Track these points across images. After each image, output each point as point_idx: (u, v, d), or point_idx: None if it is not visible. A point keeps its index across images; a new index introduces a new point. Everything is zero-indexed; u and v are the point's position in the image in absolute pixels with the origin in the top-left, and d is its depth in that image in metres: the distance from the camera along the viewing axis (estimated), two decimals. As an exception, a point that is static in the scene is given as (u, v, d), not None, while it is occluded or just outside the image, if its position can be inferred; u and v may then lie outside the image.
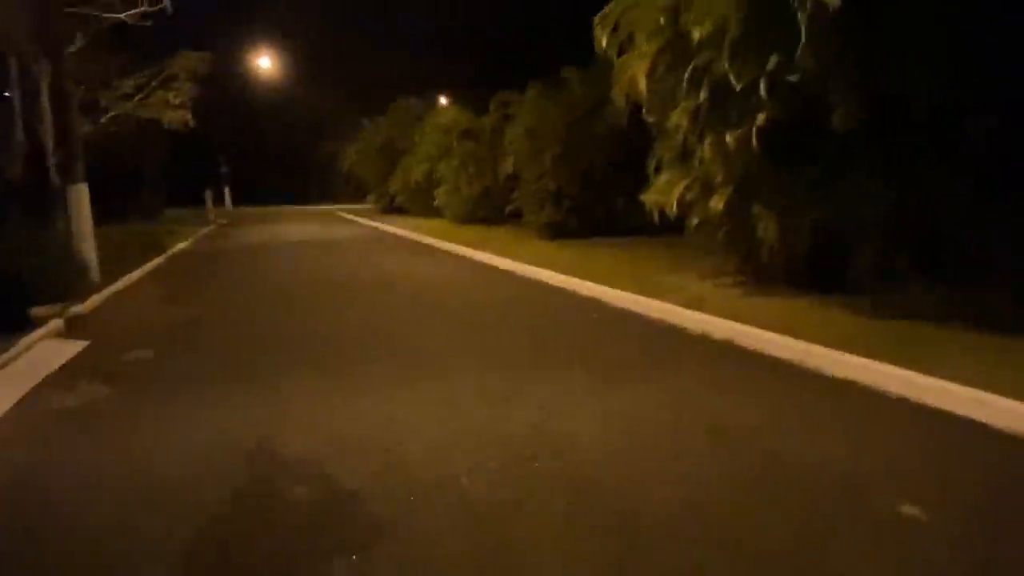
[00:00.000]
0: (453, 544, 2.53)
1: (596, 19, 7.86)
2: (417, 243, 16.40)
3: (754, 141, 5.98)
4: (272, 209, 38.74)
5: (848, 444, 3.46)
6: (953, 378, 4.08)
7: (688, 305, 6.64)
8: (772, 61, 5.80)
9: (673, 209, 7.30)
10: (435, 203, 21.52)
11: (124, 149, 20.39)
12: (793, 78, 5.76)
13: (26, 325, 6.31)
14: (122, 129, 16.28)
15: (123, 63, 14.98)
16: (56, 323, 6.68)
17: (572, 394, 4.31)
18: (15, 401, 4.45)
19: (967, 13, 5.44)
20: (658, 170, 8.13)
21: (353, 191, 37.48)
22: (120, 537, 2.70)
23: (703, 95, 6.36)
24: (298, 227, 24.02)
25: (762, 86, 5.81)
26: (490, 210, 18.91)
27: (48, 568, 2.55)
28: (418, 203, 24.27)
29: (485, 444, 3.47)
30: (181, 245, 16.12)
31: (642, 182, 8.49)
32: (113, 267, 9.94)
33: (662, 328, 6.36)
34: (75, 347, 5.97)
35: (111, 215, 18.00)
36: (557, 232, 13.92)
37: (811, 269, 6.79)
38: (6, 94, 10.58)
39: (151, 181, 26.19)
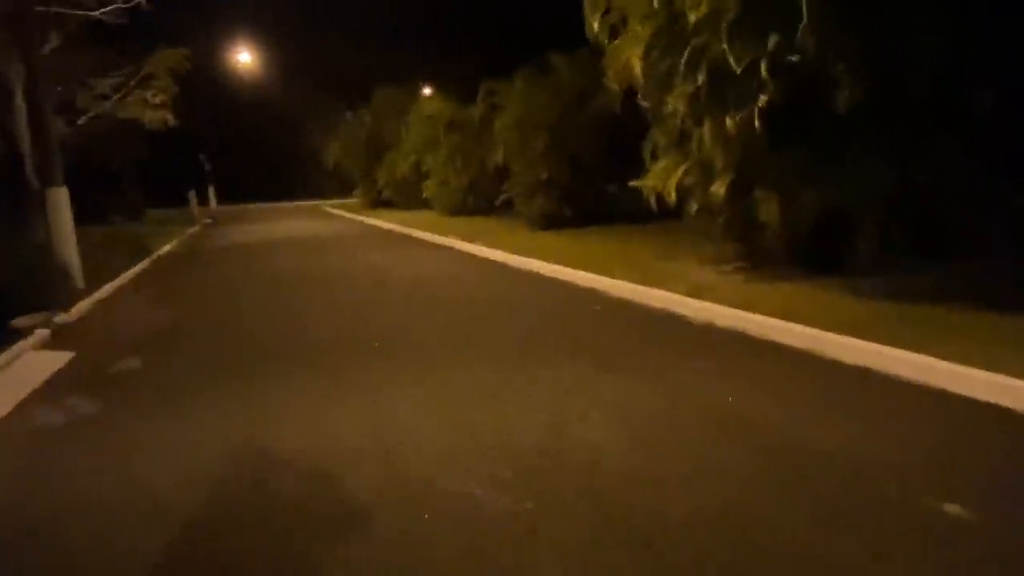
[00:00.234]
0: (476, 567, 2.37)
1: (587, 2, 7.66)
2: (407, 237, 16.19)
3: (756, 123, 5.84)
4: (258, 206, 38.34)
5: (875, 436, 3.33)
6: (970, 362, 3.97)
7: (690, 293, 6.50)
8: (772, 41, 5.65)
9: (672, 195, 7.15)
10: (423, 195, 21.29)
11: (105, 149, 20.00)
12: (794, 58, 5.61)
13: (8, 337, 6.08)
14: (102, 129, 15.91)
15: (101, 62, 14.60)
16: (40, 333, 6.45)
17: (581, 391, 4.16)
18: (-2, 419, 4.25)
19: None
20: (654, 156, 7.98)
21: (339, 185, 37.08)
22: (107, 560, 2.53)
23: (701, 78, 6.20)
24: (285, 224, 23.72)
25: (763, 67, 5.66)
26: (480, 201, 18.72)
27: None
28: (406, 196, 24.02)
29: (496, 450, 3.31)
30: (167, 247, 15.82)
31: (634, 169, 8.34)
32: (98, 272, 9.67)
33: (665, 318, 6.22)
34: (61, 358, 5.75)
35: (93, 217, 17.67)
36: (550, 222, 13.76)
37: (814, 252, 6.68)
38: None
39: (133, 181, 25.74)
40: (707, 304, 6.14)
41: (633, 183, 8.06)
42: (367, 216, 24.07)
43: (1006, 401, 3.65)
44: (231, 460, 3.41)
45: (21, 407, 4.50)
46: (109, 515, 2.94)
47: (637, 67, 6.81)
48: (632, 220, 12.70)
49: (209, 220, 27.01)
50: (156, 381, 5.02)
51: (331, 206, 34.40)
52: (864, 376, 4.27)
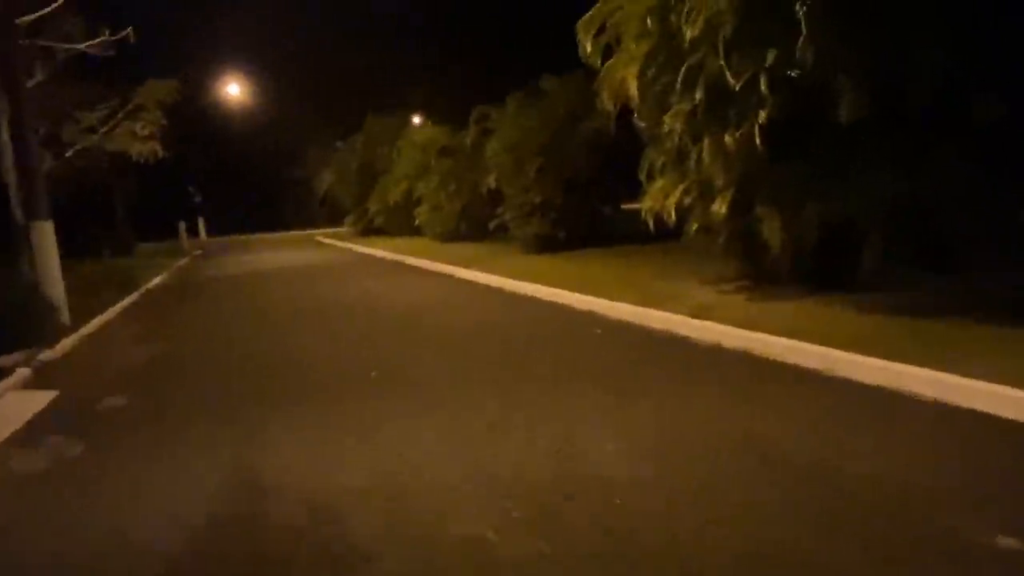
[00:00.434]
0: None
1: (580, 24, 7.60)
2: (400, 264, 16.02)
3: (757, 140, 5.72)
4: (248, 237, 38.11)
5: (910, 461, 3.13)
6: (990, 378, 3.82)
7: (693, 314, 6.34)
8: (770, 56, 5.56)
9: (671, 215, 7.02)
10: (416, 222, 21.16)
11: (93, 183, 19.82)
12: (793, 73, 5.52)
13: (-11, 376, 5.85)
14: (90, 163, 15.75)
15: (88, 95, 14.49)
16: (22, 372, 6.21)
17: (591, 422, 3.96)
18: (-25, 466, 4.01)
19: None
20: (650, 176, 7.86)
21: (330, 214, 36.95)
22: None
23: (699, 95, 6.10)
24: (276, 255, 23.51)
25: (762, 82, 5.56)
26: (473, 227, 18.58)
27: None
28: (398, 223, 23.87)
29: (508, 487, 3.10)
30: (156, 280, 15.58)
31: (628, 189, 8.24)
32: (84, 307, 9.43)
33: (670, 340, 6.05)
34: (44, 398, 5.51)
35: (82, 252, 17.44)
36: (544, 245, 13.62)
37: (818, 269, 6.54)
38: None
39: (122, 215, 25.54)
40: (712, 324, 5.97)
41: (628, 205, 7.95)
42: (359, 244, 23.89)
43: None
44: (223, 506, 3.19)
45: (1, 451, 4.26)
46: (89, 570, 2.71)
47: (632, 86, 6.72)
48: (628, 241, 12.59)
49: (199, 252, 26.79)
50: (142, 420, 4.78)
51: (322, 235, 34.22)
52: (883, 396, 4.10)
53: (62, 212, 9.25)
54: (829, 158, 5.74)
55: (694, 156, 6.70)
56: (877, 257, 5.82)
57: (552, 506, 2.88)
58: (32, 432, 4.63)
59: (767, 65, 5.59)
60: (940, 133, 5.39)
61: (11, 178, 9.14)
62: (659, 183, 7.47)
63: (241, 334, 8.19)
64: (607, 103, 7.79)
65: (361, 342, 7.07)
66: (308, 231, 39.60)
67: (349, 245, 24.73)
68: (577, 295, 8.22)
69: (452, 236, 19.36)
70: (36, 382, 6.14)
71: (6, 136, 9.23)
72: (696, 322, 6.15)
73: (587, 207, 13.52)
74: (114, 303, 10.78)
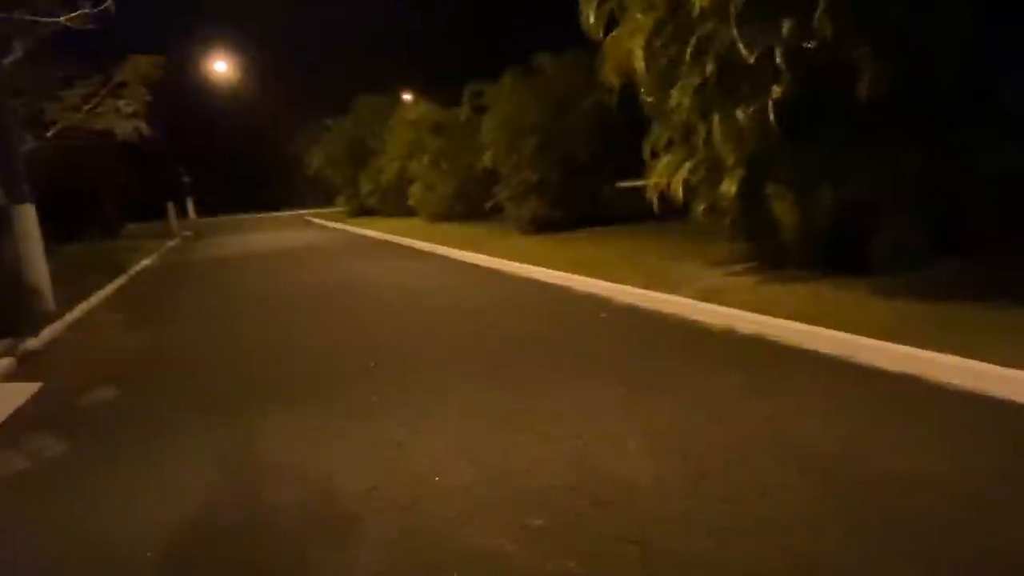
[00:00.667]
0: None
1: (583, -8, 7.27)
2: (396, 245, 15.73)
3: (771, 116, 5.46)
4: (238, 218, 37.62)
5: (961, 461, 2.91)
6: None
7: (703, 297, 6.12)
8: (786, 27, 5.28)
9: (678, 192, 6.76)
10: (409, 202, 20.83)
11: (78, 164, 19.33)
12: (811, 44, 5.24)
13: (-32, 368, 5.58)
14: (74, 143, 15.28)
15: (69, 72, 13.99)
16: (5, 362, 5.94)
17: (611, 416, 3.73)
18: (-49, 467, 3.76)
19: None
20: (654, 154, 7.60)
21: (321, 194, 36.48)
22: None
23: (709, 69, 5.82)
24: (267, 235, 23.14)
25: (778, 55, 5.29)
26: (467, 206, 18.29)
27: None
28: (390, 203, 23.55)
29: (525, 492, 2.86)
30: (144, 262, 15.26)
31: (627, 168, 7.97)
32: (70, 292, 9.14)
33: (681, 325, 5.83)
34: (26, 391, 5.24)
35: (69, 234, 17.04)
36: (542, 225, 13.36)
37: (830, 250, 6.31)
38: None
39: (110, 196, 25.00)
40: (723, 308, 5.76)
41: (626, 183, 7.68)
42: (351, 225, 23.54)
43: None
44: (217, 511, 2.96)
45: (-23, 451, 4.01)
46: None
47: (639, 58, 6.41)
48: (627, 222, 12.34)
49: (188, 233, 26.34)
50: (131, 415, 4.53)
51: (313, 215, 33.78)
52: (915, 386, 3.89)
53: (46, 195, 8.89)
54: (846, 136, 5.48)
55: (702, 133, 6.43)
56: (897, 240, 5.58)
57: (573, 512, 2.66)
58: (13, 430, 4.37)
59: (783, 36, 5.30)
60: (965, 109, 5.14)
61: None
62: (665, 160, 7.22)
63: (233, 321, 7.92)
64: (610, 77, 7.48)
65: (357, 329, 6.82)
66: (299, 211, 39.13)
67: (341, 226, 24.37)
68: (579, 277, 8.00)
69: (446, 216, 19.07)
70: (19, 373, 5.88)
71: (-17, 115, 8.84)
72: (707, 306, 5.93)
73: (586, 187, 13.24)
74: (101, 288, 10.46)
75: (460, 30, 35.75)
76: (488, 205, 15.20)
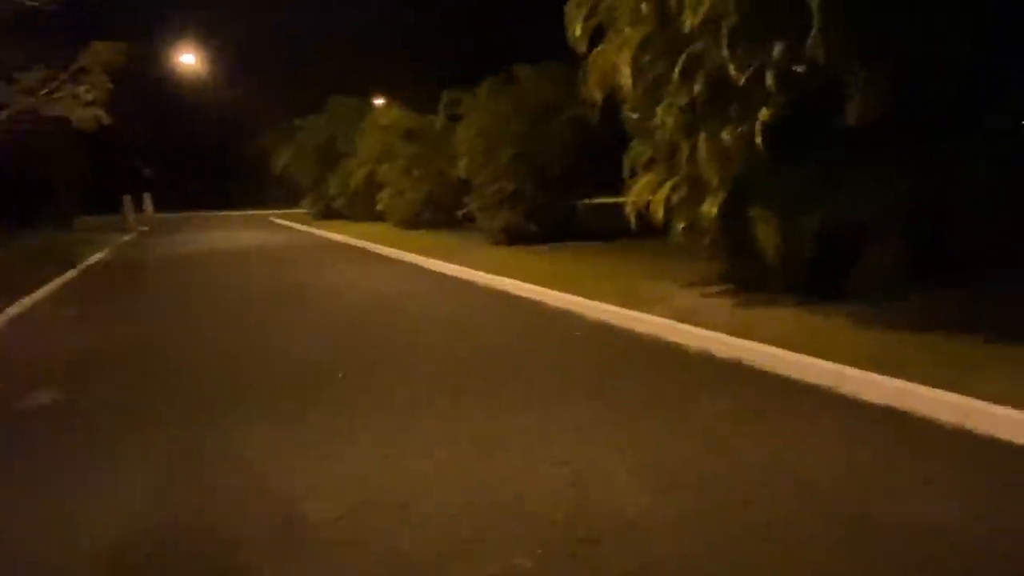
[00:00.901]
0: None
1: (570, 3, 7.14)
2: (363, 251, 15.37)
3: (758, 138, 5.38)
4: (198, 215, 36.53)
5: (963, 501, 2.81)
6: (1016, 403, 3.55)
7: (679, 318, 6.02)
8: (778, 49, 5.22)
9: (659, 211, 6.65)
10: (378, 207, 20.47)
11: (32, 152, 18.53)
12: (801, 68, 5.19)
13: None
14: (27, 129, 14.58)
15: (27, 54, 13.34)
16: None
17: (597, 442, 3.54)
18: None
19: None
20: (633, 172, 7.49)
21: (286, 194, 35.72)
22: None
23: (698, 88, 5.73)
24: (228, 234, 22.50)
25: (768, 77, 5.22)
26: (437, 214, 18.05)
27: None
28: (358, 207, 23.12)
29: (513, 524, 2.65)
30: (97, 256, 14.65)
31: (605, 183, 7.85)
32: (14, 285, 8.64)
33: (656, 346, 5.70)
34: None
35: (20, 225, 16.28)
36: (514, 237, 13.18)
37: (811, 274, 6.26)
38: None
39: (64, 187, 24.06)
40: (700, 331, 5.64)
41: (603, 199, 7.56)
42: (317, 228, 23.04)
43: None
44: (166, 536, 2.68)
45: None
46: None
47: (625, 74, 6.29)
48: (602, 237, 12.25)
49: (145, 228, 25.50)
50: (74, 420, 4.20)
51: (278, 216, 33.04)
52: (896, 419, 3.80)
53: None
54: (836, 156, 5.42)
55: (686, 152, 6.33)
56: (882, 264, 5.54)
57: (565, 548, 2.46)
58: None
59: (774, 59, 5.24)
60: (956, 133, 5.13)
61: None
62: (645, 178, 7.10)
63: (188, 324, 7.54)
64: (593, 91, 7.35)
65: (324, 338, 6.52)
66: (262, 211, 38.25)
67: (307, 228, 23.85)
68: (552, 292, 7.84)
69: (415, 223, 18.78)
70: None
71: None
72: (683, 327, 5.82)
73: (562, 200, 13.13)
74: (48, 281, 9.94)
75: (438, 37, 35.56)
76: (460, 214, 14.99)
